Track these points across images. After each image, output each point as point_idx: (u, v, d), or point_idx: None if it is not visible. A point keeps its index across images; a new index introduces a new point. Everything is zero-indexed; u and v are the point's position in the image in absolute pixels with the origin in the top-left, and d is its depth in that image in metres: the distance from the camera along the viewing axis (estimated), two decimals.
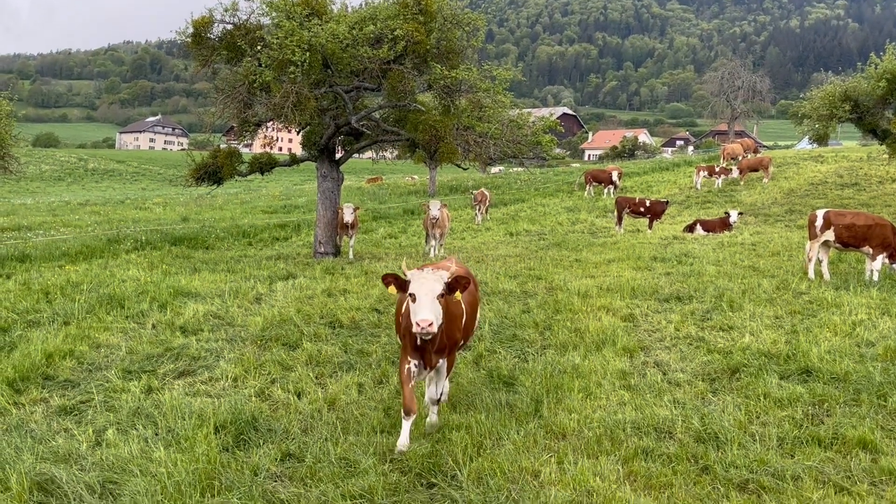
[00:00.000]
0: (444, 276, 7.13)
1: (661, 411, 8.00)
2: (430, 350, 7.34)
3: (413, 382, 7.48)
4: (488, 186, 42.58)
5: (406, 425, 7.38)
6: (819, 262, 15.71)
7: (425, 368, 7.48)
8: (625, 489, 6.11)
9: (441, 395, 7.85)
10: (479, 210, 32.67)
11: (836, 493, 6.01)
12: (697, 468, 6.60)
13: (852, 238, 15.21)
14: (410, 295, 6.97)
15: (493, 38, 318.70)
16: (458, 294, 7.24)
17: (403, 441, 7.28)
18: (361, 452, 6.96)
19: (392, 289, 7.24)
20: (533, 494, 5.95)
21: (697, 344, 10.91)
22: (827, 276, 15.42)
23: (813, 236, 15.61)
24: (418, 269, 7.31)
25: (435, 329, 6.82)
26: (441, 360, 7.60)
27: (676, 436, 7.36)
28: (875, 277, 14.84)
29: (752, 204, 33.39)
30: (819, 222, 15.52)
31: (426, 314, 6.78)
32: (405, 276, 7.19)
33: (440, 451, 6.94)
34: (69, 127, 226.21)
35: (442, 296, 7.00)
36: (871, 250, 15.07)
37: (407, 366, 7.39)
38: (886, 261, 15.07)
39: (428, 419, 7.90)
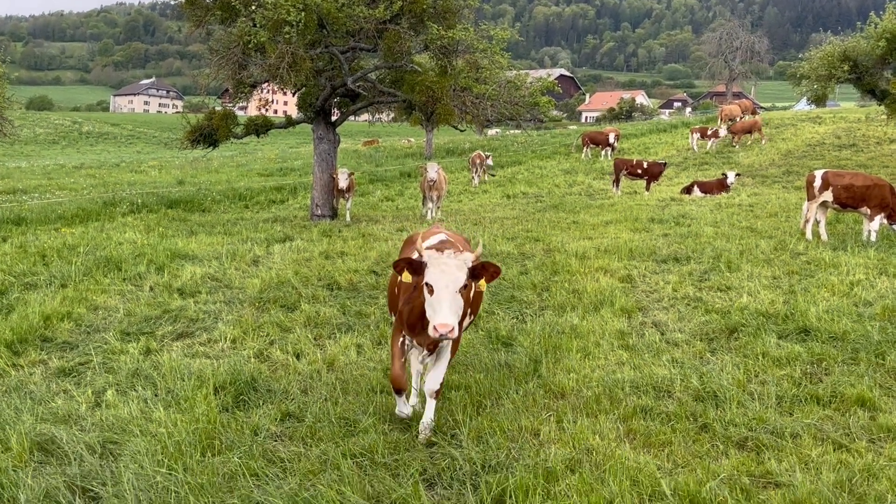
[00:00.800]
0: (469, 260, 5.97)
1: (660, 370, 8.02)
2: None
3: (405, 358, 6.75)
4: (485, 149, 42.38)
5: (400, 399, 6.71)
6: (817, 222, 15.68)
7: (428, 353, 6.59)
8: (624, 447, 6.13)
9: (437, 383, 6.55)
10: (475, 172, 32.55)
11: (834, 450, 6.03)
12: (696, 426, 6.62)
13: (851, 199, 15.16)
14: (427, 285, 5.83)
15: None
16: (483, 283, 6.14)
17: (402, 409, 6.72)
18: (361, 412, 6.97)
19: (406, 275, 6.03)
20: (533, 452, 5.97)
21: (695, 304, 10.91)
22: (824, 236, 15.41)
23: (811, 197, 15.57)
24: (437, 248, 6.19)
25: (456, 333, 5.70)
26: (443, 345, 6.58)
27: (675, 395, 7.38)
28: (873, 238, 14.83)
29: (750, 165, 33.30)
30: (817, 183, 15.47)
31: (446, 317, 5.64)
32: (421, 254, 6.05)
33: (440, 409, 6.95)
34: (63, 90, 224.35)
35: (465, 287, 5.88)
36: (869, 211, 15.04)
37: (401, 339, 6.61)
38: (885, 221, 15.05)
39: (423, 420, 6.60)
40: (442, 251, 6.00)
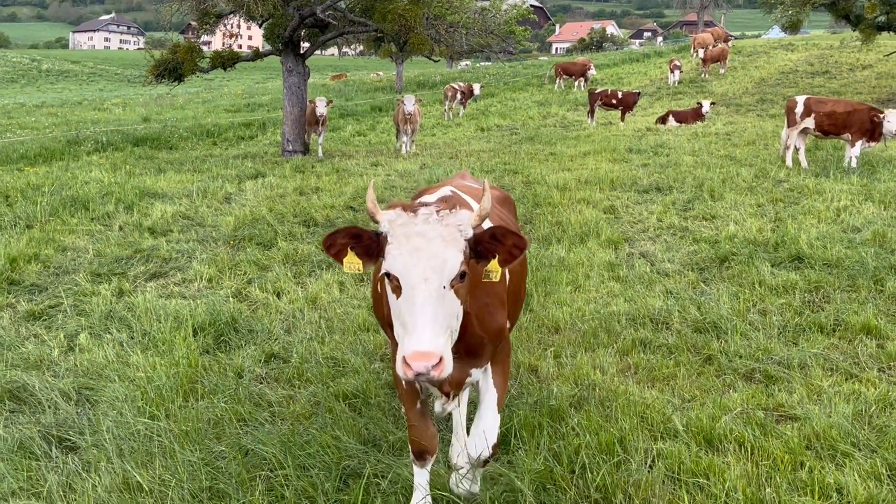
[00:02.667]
0: (466, 224, 3.45)
1: (655, 302, 7.79)
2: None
3: (422, 400, 4.18)
4: (455, 81, 41.67)
5: (421, 477, 4.30)
6: (796, 149, 15.48)
7: (448, 398, 4.04)
8: (628, 382, 5.91)
9: (490, 441, 4.07)
10: (448, 105, 31.97)
11: (846, 380, 5.86)
12: (700, 359, 6.41)
13: (833, 125, 14.95)
14: (389, 278, 3.40)
15: None
16: (494, 264, 3.55)
17: (420, 486, 4.31)
18: (350, 351, 6.69)
19: (352, 260, 3.58)
20: (535, 390, 5.73)
21: (682, 234, 10.72)
22: (804, 163, 15.24)
23: (792, 123, 15.34)
24: (404, 205, 3.55)
25: (446, 370, 3.22)
26: (476, 371, 4.04)
27: (674, 326, 7.16)
28: (854, 164, 14.66)
29: (724, 94, 33.04)
30: (799, 109, 15.24)
31: (424, 338, 3.19)
32: (376, 220, 3.53)
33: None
34: (19, 26, 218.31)
35: (463, 275, 3.38)
36: (851, 137, 14.84)
37: None
38: (866, 145, 14.87)
39: None
40: (416, 211, 3.46)
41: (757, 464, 4.62)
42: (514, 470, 4.53)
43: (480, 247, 3.51)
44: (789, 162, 15.23)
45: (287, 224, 11.72)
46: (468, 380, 4.02)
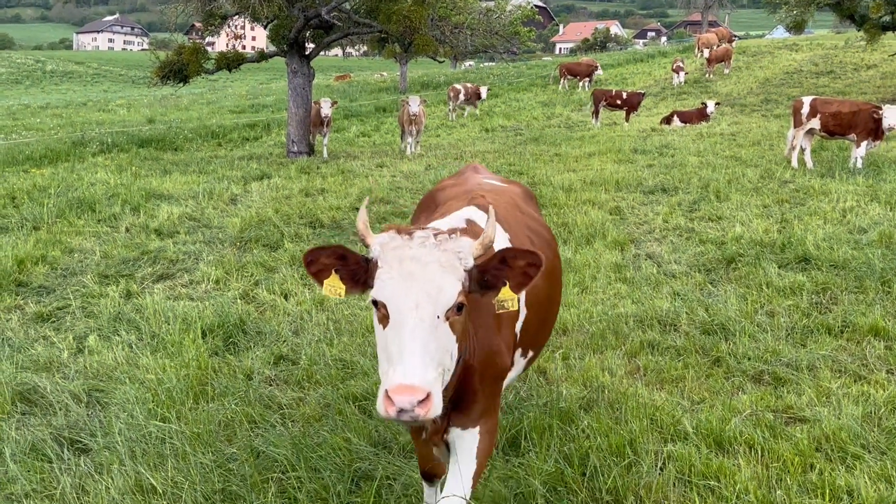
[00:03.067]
0: (467, 251, 3.13)
1: (662, 303, 7.80)
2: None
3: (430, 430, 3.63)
4: (460, 82, 41.66)
5: (431, 496, 4.19)
6: (802, 150, 15.48)
7: (423, 434, 3.73)
8: (637, 384, 5.93)
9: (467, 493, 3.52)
10: (452, 106, 31.96)
11: (854, 381, 5.87)
12: (709, 360, 6.43)
13: (838, 126, 14.96)
14: (375, 304, 3.07)
15: None
16: (507, 292, 3.22)
17: None
18: (358, 353, 6.71)
19: (334, 283, 3.25)
20: (544, 392, 5.74)
21: (688, 235, 10.73)
22: (810, 164, 15.25)
23: (798, 124, 15.34)
24: (398, 228, 3.20)
25: (434, 410, 2.84)
26: (457, 431, 3.60)
27: (681, 328, 7.17)
28: (859, 164, 14.67)
29: (728, 94, 32.99)
30: (805, 110, 15.24)
31: (410, 373, 2.83)
32: (366, 242, 3.22)
33: None
34: (23, 28, 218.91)
35: (461, 307, 3.06)
36: (856, 137, 14.85)
37: None
38: (872, 145, 14.87)
39: None
40: (411, 234, 3.12)
41: (767, 466, 4.65)
42: (526, 471, 4.55)
43: (487, 276, 3.18)
44: (795, 163, 15.24)
45: (293, 225, 11.74)
46: (449, 426, 3.58)
